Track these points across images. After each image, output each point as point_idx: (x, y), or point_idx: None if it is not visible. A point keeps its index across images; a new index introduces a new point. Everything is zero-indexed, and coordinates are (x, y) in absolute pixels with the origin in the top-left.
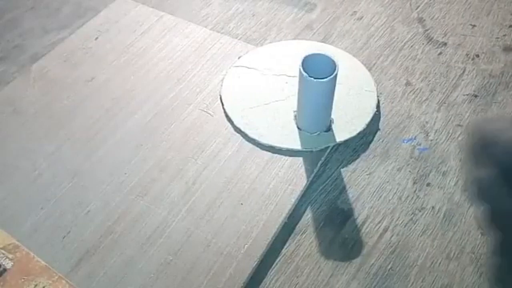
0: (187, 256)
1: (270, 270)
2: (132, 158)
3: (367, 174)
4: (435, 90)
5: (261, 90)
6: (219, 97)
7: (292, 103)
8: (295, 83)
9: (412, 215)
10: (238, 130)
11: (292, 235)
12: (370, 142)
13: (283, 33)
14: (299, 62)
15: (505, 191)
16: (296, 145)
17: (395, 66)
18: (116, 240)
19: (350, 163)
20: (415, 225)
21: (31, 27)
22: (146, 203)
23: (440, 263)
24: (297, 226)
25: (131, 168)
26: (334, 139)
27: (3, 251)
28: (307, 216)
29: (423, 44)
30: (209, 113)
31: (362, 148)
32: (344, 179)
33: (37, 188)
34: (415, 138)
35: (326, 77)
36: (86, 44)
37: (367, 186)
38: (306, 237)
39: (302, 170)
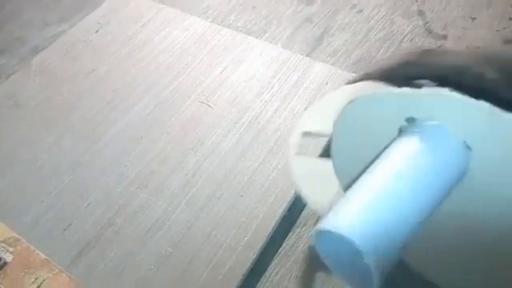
0: (187, 248)
1: (270, 263)
2: (132, 150)
3: None
4: None
5: None
6: (218, 89)
7: None
8: None
9: None
10: None
11: (293, 227)
12: None
13: (283, 26)
14: None
15: None
16: None
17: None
18: (117, 232)
19: None
20: None
21: (31, 19)
22: (146, 195)
23: None
24: (297, 219)
25: (131, 160)
26: None
27: (3, 244)
28: (308, 209)
29: (423, 37)
30: (209, 105)
31: None
32: None
33: (37, 181)
34: None
35: None
36: (87, 37)
37: None
38: (306, 230)
39: None
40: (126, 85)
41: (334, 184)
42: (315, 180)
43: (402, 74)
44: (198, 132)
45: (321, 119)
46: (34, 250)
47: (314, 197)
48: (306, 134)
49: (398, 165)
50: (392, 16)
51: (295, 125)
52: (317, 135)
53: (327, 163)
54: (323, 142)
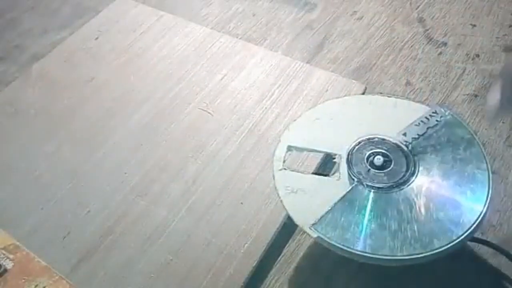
0: (187, 255)
1: (270, 270)
2: (132, 158)
3: None
4: (435, 90)
5: None
6: (218, 96)
7: None
8: None
9: None
10: None
11: (293, 235)
12: None
13: (283, 33)
14: None
15: None
16: None
17: (395, 66)
18: (116, 240)
19: None
20: None
21: (31, 27)
22: (146, 203)
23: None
24: (297, 226)
25: (131, 168)
26: None
27: (3, 251)
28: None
29: (423, 44)
30: (209, 112)
31: None
32: None
33: (37, 189)
34: None
35: None
36: (86, 44)
37: None
38: (306, 237)
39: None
40: (125, 92)
41: (318, 200)
42: (298, 195)
43: None
44: (198, 140)
45: (305, 134)
46: (34, 258)
47: (298, 213)
48: (291, 148)
49: None
50: (392, 23)
51: (280, 139)
52: (301, 149)
53: (312, 178)
54: (309, 156)
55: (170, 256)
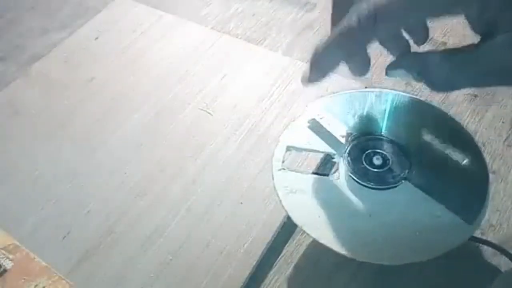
0: (187, 255)
1: (270, 270)
2: (132, 158)
3: None
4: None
5: None
6: (218, 96)
7: None
8: None
9: None
10: None
11: (292, 235)
12: None
13: (283, 33)
14: None
15: None
16: None
17: None
18: (116, 240)
19: None
20: None
21: (31, 27)
22: (146, 202)
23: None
24: (297, 226)
25: (130, 168)
26: None
27: (3, 251)
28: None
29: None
30: (208, 112)
31: None
32: None
33: (37, 189)
34: None
35: None
36: (86, 44)
37: None
38: (306, 237)
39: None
40: (125, 92)
41: (317, 200)
42: (297, 195)
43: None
44: (198, 139)
45: (304, 133)
46: (34, 258)
47: (297, 213)
48: (290, 148)
49: None
50: None
51: (280, 139)
52: (300, 149)
53: (311, 178)
54: (309, 156)
55: (170, 256)
